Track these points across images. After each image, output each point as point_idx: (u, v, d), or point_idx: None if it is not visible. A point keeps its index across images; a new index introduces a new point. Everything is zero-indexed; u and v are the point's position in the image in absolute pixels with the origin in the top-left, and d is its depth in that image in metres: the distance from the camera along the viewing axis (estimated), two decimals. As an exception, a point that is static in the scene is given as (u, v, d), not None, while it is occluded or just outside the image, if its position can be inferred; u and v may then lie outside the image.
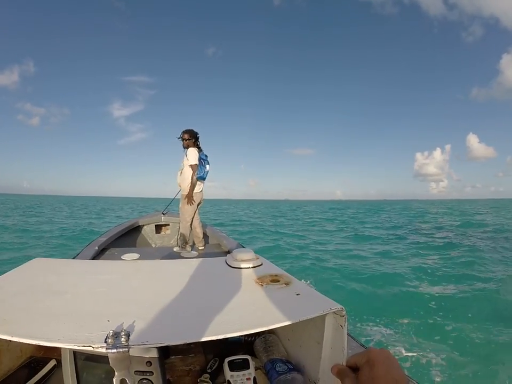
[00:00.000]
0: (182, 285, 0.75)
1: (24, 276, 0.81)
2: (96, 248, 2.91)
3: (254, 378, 0.79)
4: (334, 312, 0.61)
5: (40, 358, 0.85)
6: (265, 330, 0.94)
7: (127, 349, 0.47)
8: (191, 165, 3.29)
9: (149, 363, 0.60)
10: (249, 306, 0.63)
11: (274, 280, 0.76)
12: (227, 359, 0.82)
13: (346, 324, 0.61)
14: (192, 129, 3.43)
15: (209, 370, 0.84)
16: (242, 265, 0.88)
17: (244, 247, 3.08)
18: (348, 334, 0.66)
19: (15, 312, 0.59)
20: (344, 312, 0.60)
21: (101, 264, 1.07)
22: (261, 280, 0.77)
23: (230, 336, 0.54)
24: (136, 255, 2.92)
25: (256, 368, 0.84)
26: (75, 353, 0.68)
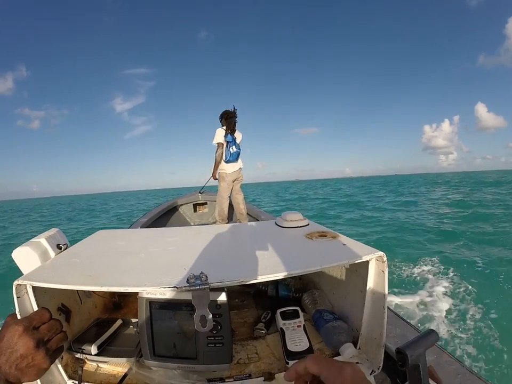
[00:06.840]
0: (240, 240, 0.86)
1: (95, 244, 0.93)
2: (139, 228, 3.03)
3: (304, 325, 0.89)
4: (376, 258, 0.69)
5: (107, 319, 0.93)
6: (312, 286, 1.03)
7: (208, 286, 0.59)
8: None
9: (219, 306, 0.67)
10: (302, 253, 0.73)
11: (322, 235, 0.85)
12: (279, 310, 0.93)
13: (387, 269, 0.68)
14: (226, 110, 3.38)
15: (263, 320, 0.95)
16: (292, 225, 0.97)
17: None
18: (397, 314, 0.68)
19: (98, 269, 0.69)
20: (385, 258, 0.67)
21: (164, 230, 1.21)
22: (310, 235, 0.86)
23: (288, 276, 0.63)
24: None
25: (304, 320, 0.94)
26: (150, 302, 0.81)
